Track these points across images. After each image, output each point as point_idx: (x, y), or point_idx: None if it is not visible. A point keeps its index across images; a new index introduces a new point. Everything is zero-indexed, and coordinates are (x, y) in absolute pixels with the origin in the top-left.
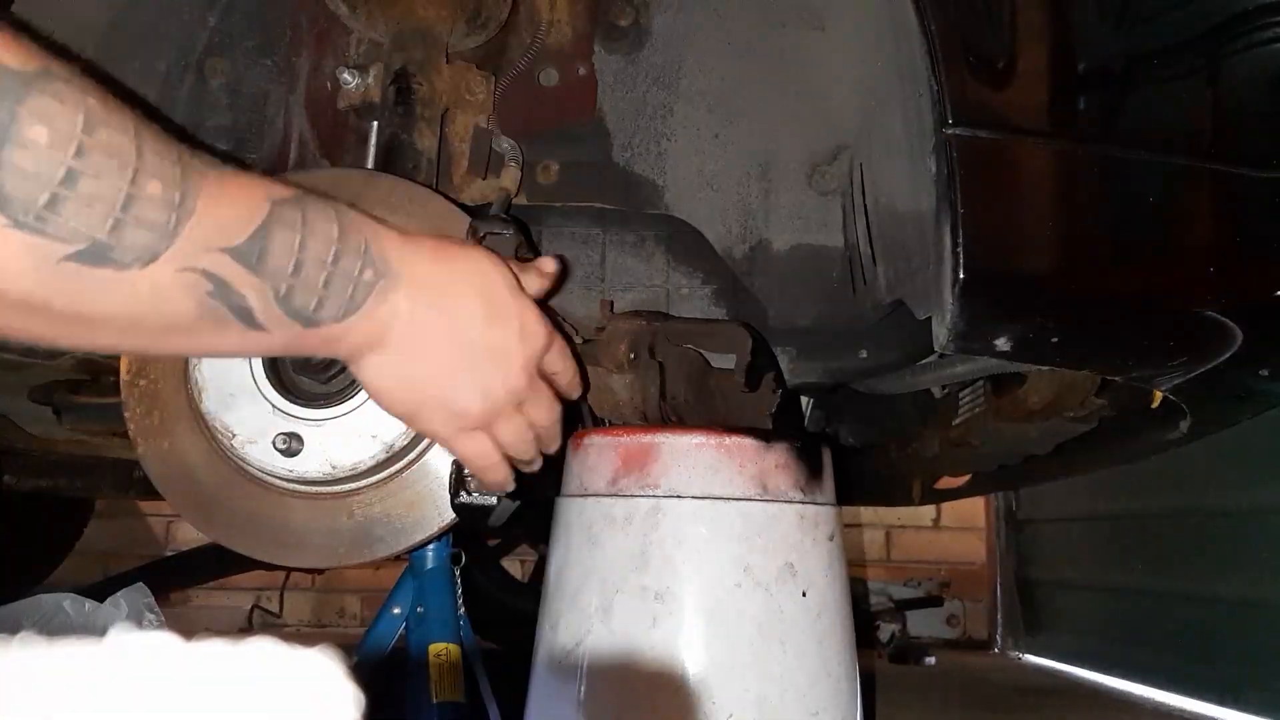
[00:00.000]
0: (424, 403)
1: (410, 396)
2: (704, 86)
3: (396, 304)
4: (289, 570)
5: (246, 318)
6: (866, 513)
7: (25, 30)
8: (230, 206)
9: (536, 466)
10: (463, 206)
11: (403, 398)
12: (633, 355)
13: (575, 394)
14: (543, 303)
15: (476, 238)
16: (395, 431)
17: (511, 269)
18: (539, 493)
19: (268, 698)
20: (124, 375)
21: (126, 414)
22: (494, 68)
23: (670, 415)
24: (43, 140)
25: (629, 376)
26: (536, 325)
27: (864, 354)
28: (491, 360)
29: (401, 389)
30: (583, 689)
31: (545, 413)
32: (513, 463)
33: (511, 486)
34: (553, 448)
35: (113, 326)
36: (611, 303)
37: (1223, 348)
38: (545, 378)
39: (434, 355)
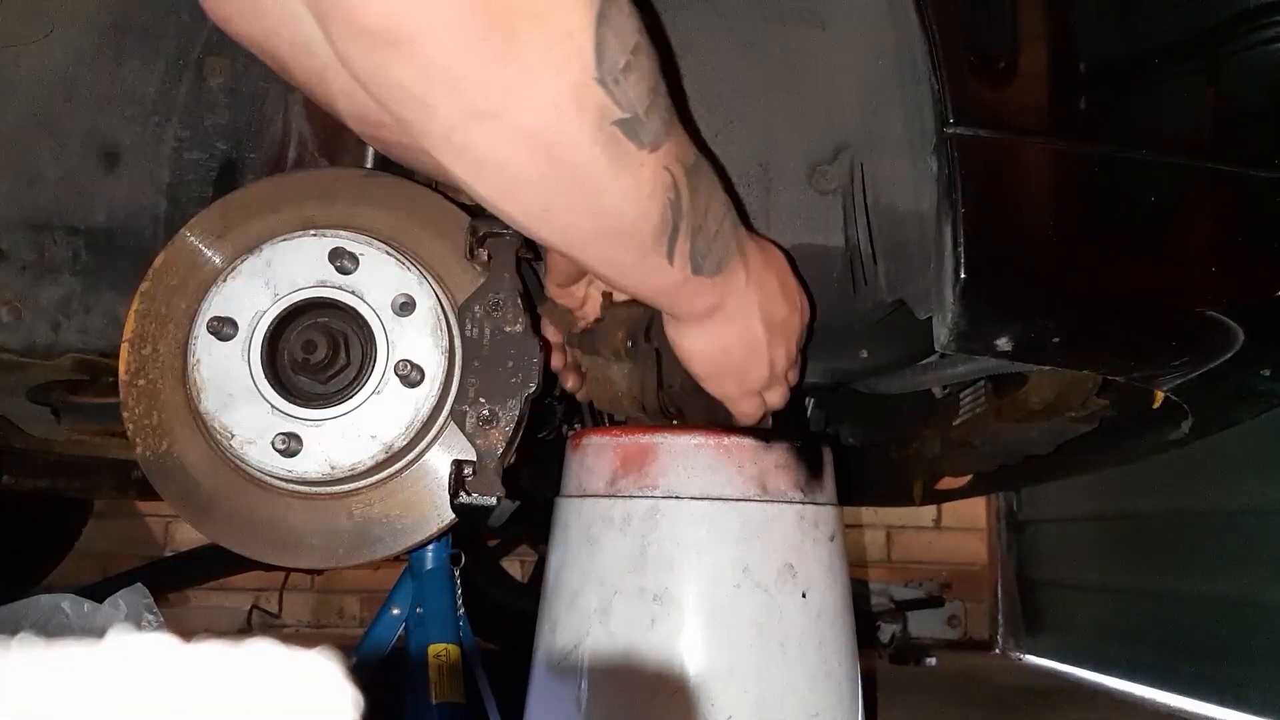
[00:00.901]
0: (725, 369)
1: (718, 361)
2: (704, 86)
3: (739, 279)
4: (288, 571)
5: (673, 239)
6: (867, 513)
7: None
8: (682, 133)
9: None
10: (462, 206)
11: (711, 360)
12: (630, 343)
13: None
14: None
15: (476, 237)
16: (394, 432)
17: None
18: (539, 493)
19: (266, 699)
20: (123, 375)
21: (125, 414)
22: None
23: (669, 405)
24: (628, 10)
25: (627, 366)
26: (805, 303)
27: (865, 354)
28: (781, 337)
29: (714, 354)
30: (582, 691)
31: (796, 378)
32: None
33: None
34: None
35: (611, 207)
36: (610, 293)
37: (1224, 347)
38: None
39: (749, 331)
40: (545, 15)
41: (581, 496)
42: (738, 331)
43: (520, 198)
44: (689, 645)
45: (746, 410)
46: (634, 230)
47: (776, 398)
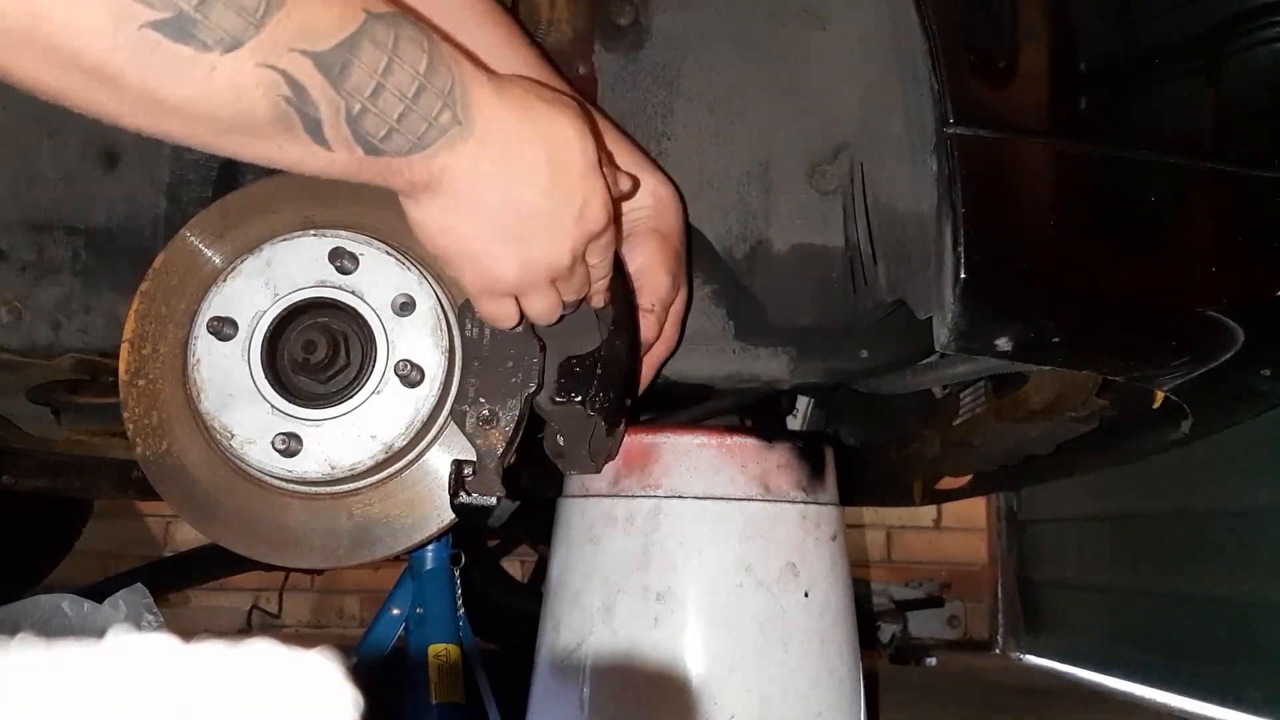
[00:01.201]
0: (459, 254)
1: (447, 243)
2: (704, 86)
3: (462, 154)
4: (288, 571)
5: (314, 130)
6: (868, 513)
7: None
8: (324, 8)
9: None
10: None
11: (441, 242)
12: None
13: (597, 301)
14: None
15: None
16: (394, 431)
17: (602, 143)
18: (539, 493)
19: (266, 699)
20: (123, 375)
21: (125, 414)
22: None
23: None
24: None
25: None
26: (598, 207)
27: (865, 354)
28: (541, 231)
29: (441, 234)
30: (585, 689)
31: (576, 294)
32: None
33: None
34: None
35: (181, 113)
36: None
37: (1224, 347)
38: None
39: (482, 212)
40: None
41: (585, 496)
42: (463, 213)
43: (64, 100)
44: (692, 644)
45: (489, 312)
46: (239, 130)
47: (539, 307)
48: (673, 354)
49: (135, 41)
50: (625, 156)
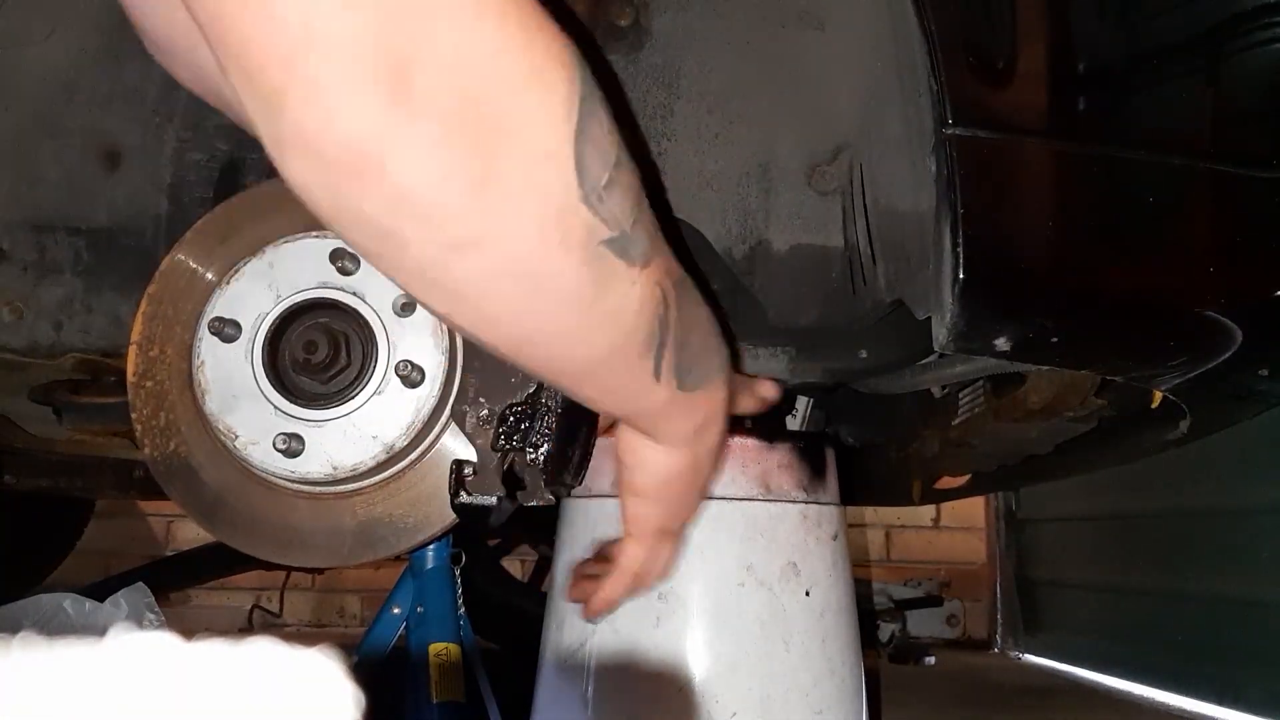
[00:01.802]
0: (663, 497)
1: (658, 488)
2: (704, 86)
3: (718, 400)
4: (289, 570)
5: (659, 357)
6: (867, 512)
7: None
8: (666, 252)
9: None
10: None
11: (657, 482)
12: None
13: None
14: None
15: None
16: (395, 432)
17: None
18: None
19: (267, 698)
20: (131, 377)
21: (134, 415)
22: None
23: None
24: (607, 124)
25: None
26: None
27: (864, 354)
28: (706, 481)
29: (662, 478)
30: (589, 688)
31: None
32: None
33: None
34: None
35: (600, 330)
36: None
37: (1223, 348)
38: None
39: (700, 460)
40: (522, 134)
41: (588, 497)
42: (691, 461)
43: (503, 330)
44: (694, 643)
45: (667, 553)
46: (621, 349)
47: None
48: None
49: (594, 257)
50: None
